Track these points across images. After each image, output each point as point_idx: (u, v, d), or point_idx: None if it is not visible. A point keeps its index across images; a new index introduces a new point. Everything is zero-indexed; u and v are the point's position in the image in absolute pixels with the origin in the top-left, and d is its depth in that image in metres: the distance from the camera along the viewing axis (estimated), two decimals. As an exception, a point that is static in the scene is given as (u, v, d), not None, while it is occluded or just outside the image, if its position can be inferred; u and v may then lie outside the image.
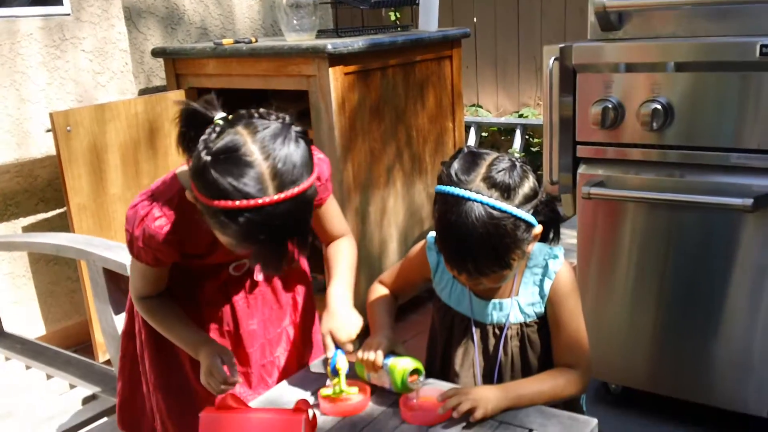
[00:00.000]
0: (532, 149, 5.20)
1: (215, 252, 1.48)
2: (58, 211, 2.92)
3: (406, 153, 2.96)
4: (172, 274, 1.55)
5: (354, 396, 1.41)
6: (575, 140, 2.12)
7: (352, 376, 1.45)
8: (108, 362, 2.32)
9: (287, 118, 1.29)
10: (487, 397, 1.32)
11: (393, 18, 5.35)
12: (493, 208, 1.28)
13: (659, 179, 2.01)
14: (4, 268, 2.81)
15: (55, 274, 2.95)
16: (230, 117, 1.29)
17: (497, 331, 1.46)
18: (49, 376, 2.35)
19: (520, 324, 1.45)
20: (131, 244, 1.45)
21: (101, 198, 2.67)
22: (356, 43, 2.60)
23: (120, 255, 1.95)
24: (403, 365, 1.41)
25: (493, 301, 1.46)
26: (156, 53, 3.05)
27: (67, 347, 2.70)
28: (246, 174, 1.20)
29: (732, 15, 1.91)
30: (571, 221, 2.29)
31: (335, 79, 2.56)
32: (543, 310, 1.43)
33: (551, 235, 1.46)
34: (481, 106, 5.62)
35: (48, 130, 2.67)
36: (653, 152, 2.00)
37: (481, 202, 1.28)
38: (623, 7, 2.03)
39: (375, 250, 2.87)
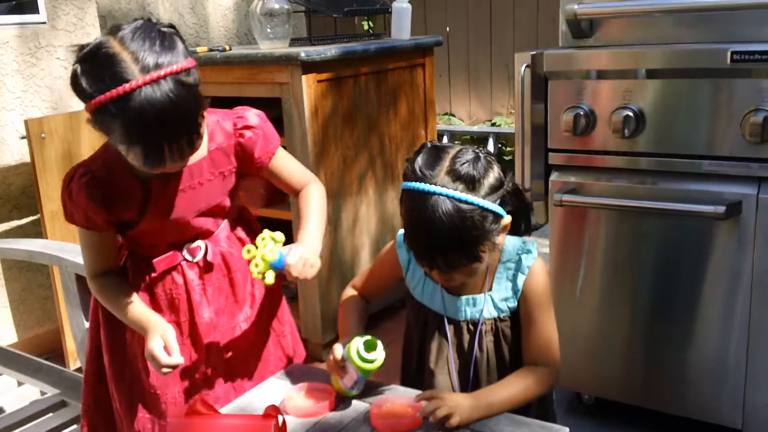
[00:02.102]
0: (505, 158, 5.24)
1: (147, 215, 1.47)
2: (31, 218, 2.89)
3: (379, 161, 2.97)
4: (128, 264, 1.55)
5: None
6: (547, 147, 2.13)
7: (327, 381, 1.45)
8: (79, 369, 2.30)
9: (152, 19, 1.34)
10: (462, 405, 1.32)
11: (366, 27, 5.38)
12: (459, 200, 1.28)
13: (631, 186, 2.02)
14: (-25, 277, 2.78)
15: (28, 281, 2.92)
16: None
17: (471, 327, 1.46)
18: (20, 383, 2.33)
19: (494, 319, 1.45)
20: (65, 207, 1.47)
21: (74, 205, 2.65)
22: (329, 51, 2.61)
23: (93, 261, 1.94)
24: (353, 342, 1.39)
25: (466, 297, 1.46)
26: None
27: (39, 355, 2.67)
28: (109, 65, 1.24)
29: (702, 22, 1.94)
30: (543, 229, 2.29)
31: (308, 86, 2.57)
32: (516, 305, 1.44)
33: (522, 227, 1.47)
34: (453, 115, 5.66)
35: (22, 137, 2.66)
36: (625, 159, 2.02)
37: (447, 196, 1.28)
38: (594, 15, 2.05)
39: (347, 258, 2.88)
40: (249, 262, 1.45)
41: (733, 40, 1.85)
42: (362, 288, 1.63)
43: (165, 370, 1.42)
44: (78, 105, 2.87)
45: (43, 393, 2.27)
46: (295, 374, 1.56)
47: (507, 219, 1.35)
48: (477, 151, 1.34)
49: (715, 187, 1.90)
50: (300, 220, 1.61)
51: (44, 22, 2.77)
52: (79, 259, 1.97)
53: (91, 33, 2.91)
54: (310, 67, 2.57)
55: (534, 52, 2.08)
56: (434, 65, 3.22)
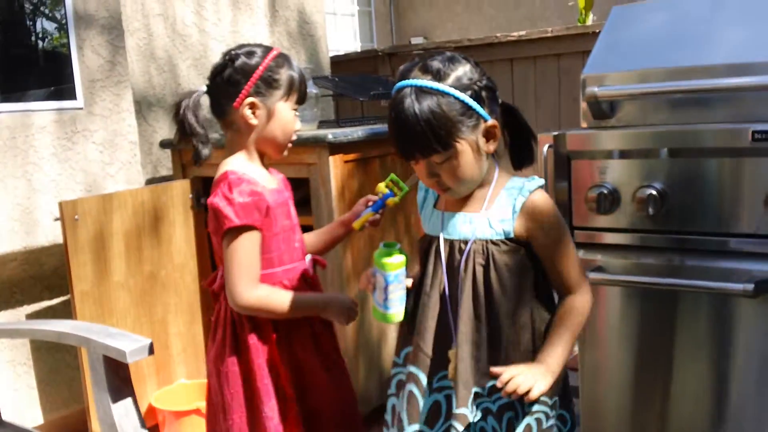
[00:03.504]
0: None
1: (279, 217, 1.80)
2: (62, 298, 2.94)
3: (406, 240, 2.99)
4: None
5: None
6: (572, 225, 2.14)
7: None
8: (106, 452, 2.28)
9: None
10: (536, 374, 1.40)
11: (393, 108, 5.47)
12: (422, 87, 1.37)
13: (659, 264, 2.01)
14: (5, 356, 2.80)
15: (56, 362, 2.94)
16: None
17: (462, 246, 1.48)
18: (46, 467, 2.32)
19: (486, 241, 1.46)
20: (233, 209, 1.68)
21: (104, 285, 2.69)
22: (356, 132, 2.67)
23: (120, 342, 1.96)
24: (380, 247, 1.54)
25: (463, 213, 1.50)
26: (164, 145, 3.13)
27: (65, 437, 2.67)
28: (254, 48, 1.80)
29: (722, 102, 1.96)
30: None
31: (335, 166, 2.62)
32: (512, 227, 1.46)
33: (524, 157, 1.58)
34: (480, 193, 5.68)
35: (56, 219, 2.72)
36: (651, 237, 2.02)
37: (413, 85, 1.38)
38: (614, 97, 2.08)
39: (374, 337, 2.87)
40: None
41: (753, 120, 1.87)
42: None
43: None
44: (112, 187, 2.95)
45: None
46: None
47: (491, 121, 1.43)
48: (458, 54, 1.43)
49: (743, 264, 1.88)
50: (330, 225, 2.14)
51: (81, 108, 2.87)
52: (107, 341, 1.99)
53: (126, 118, 3.01)
54: (337, 148, 2.62)
55: (556, 133, 2.11)
56: (459, 145, 3.26)
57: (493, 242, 1.47)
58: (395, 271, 1.51)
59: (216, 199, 1.72)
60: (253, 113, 1.78)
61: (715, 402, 1.98)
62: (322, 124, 3.02)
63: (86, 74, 2.87)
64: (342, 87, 3.11)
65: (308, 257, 1.94)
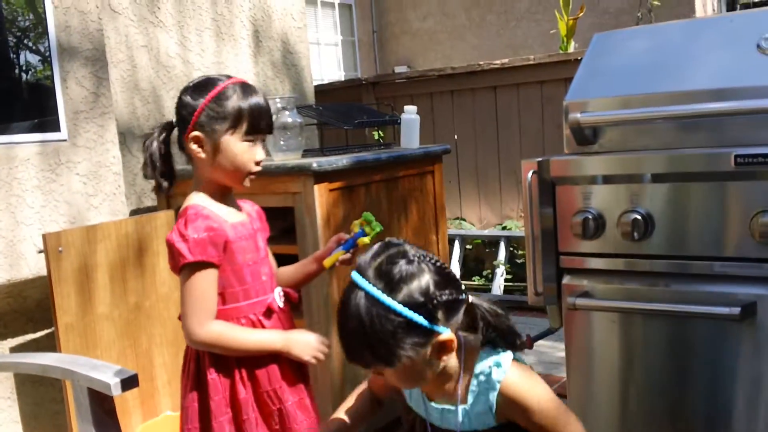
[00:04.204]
0: (517, 260, 5.25)
1: (242, 251, 1.79)
2: (45, 331, 2.90)
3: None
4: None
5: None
6: (558, 251, 2.15)
7: None
8: (91, 487, 2.25)
9: None
10: None
11: (376, 137, 5.51)
12: (373, 297, 1.26)
13: (644, 289, 2.01)
14: (-13, 391, 2.77)
15: (40, 396, 2.90)
16: None
17: None
18: (29, 504, 2.28)
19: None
20: (190, 247, 1.67)
21: (89, 317, 2.67)
22: (341, 160, 2.68)
23: (105, 375, 1.94)
24: None
25: (443, 406, 1.43)
26: (148, 176, 3.12)
27: (49, 473, 2.63)
28: (208, 80, 1.80)
29: (704, 127, 1.98)
30: (559, 333, 2.29)
31: (320, 195, 2.62)
32: (493, 420, 1.40)
33: (502, 345, 1.44)
34: (464, 219, 5.71)
35: (40, 251, 2.70)
36: (637, 262, 2.02)
37: (364, 289, 1.27)
38: (597, 123, 2.10)
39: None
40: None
41: (736, 144, 1.89)
42: (372, 381, 1.62)
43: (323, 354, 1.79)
44: (96, 218, 2.93)
45: None
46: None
47: (445, 335, 1.30)
48: (418, 255, 1.32)
49: (729, 288, 1.89)
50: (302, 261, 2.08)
51: (65, 140, 2.87)
52: (92, 373, 1.97)
53: (110, 149, 3.00)
54: (322, 176, 2.62)
55: (540, 159, 2.12)
56: (443, 172, 3.28)
57: None
58: None
59: (172, 236, 1.73)
60: (200, 147, 1.79)
61: (704, 425, 1.98)
62: (307, 152, 3.03)
63: (70, 106, 2.87)
64: (326, 116, 3.12)
65: (278, 290, 1.92)
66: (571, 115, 2.08)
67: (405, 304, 1.27)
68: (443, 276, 1.34)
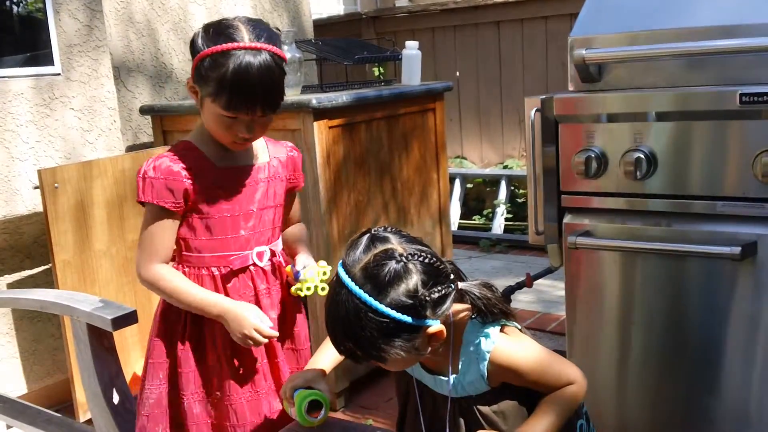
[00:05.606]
0: (518, 200, 5.24)
1: (219, 201, 1.67)
2: (43, 267, 2.90)
3: (392, 205, 2.97)
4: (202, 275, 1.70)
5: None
6: (560, 190, 2.13)
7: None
8: (89, 422, 2.28)
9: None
10: None
11: (377, 73, 5.43)
12: (361, 300, 1.27)
13: (646, 228, 2.00)
14: (-13, 327, 2.78)
15: (38, 332, 2.92)
16: None
17: (443, 401, 1.47)
18: (30, 436, 2.31)
19: (468, 398, 1.45)
20: (143, 185, 1.61)
21: (86, 254, 2.66)
22: (341, 97, 2.63)
23: (105, 311, 1.94)
24: (303, 395, 1.46)
25: (435, 376, 1.47)
26: (144, 111, 3.08)
27: (48, 406, 2.66)
28: (225, 30, 1.58)
29: (710, 65, 1.94)
30: (559, 272, 2.29)
31: (320, 132, 2.58)
32: (485, 385, 1.43)
33: (489, 317, 1.44)
34: (465, 158, 5.67)
35: (36, 187, 2.67)
36: (638, 201, 2.01)
37: (353, 292, 1.28)
38: (602, 60, 2.05)
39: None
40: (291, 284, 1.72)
41: (742, 82, 1.85)
42: None
43: (265, 340, 1.64)
44: (91, 155, 2.90)
45: (53, 445, 2.25)
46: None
47: (434, 327, 1.32)
48: (404, 256, 1.31)
49: (730, 228, 1.88)
50: (297, 247, 1.86)
51: (59, 74, 2.81)
52: (91, 309, 1.97)
53: (105, 84, 2.95)
54: (321, 113, 2.58)
55: (543, 97, 2.09)
56: (445, 110, 3.23)
57: (473, 398, 1.45)
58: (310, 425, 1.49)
59: (140, 168, 1.65)
60: (194, 95, 1.67)
61: (702, 364, 1.99)
62: (306, 89, 2.97)
63: (63, 39, 2.81)
64: (326, 51, 3.06)
65: (266, 248, 1.75)
66: (576, 51, 2.03)
67: (393, 307, 1.27)
68: (431, 272, 1.32)
